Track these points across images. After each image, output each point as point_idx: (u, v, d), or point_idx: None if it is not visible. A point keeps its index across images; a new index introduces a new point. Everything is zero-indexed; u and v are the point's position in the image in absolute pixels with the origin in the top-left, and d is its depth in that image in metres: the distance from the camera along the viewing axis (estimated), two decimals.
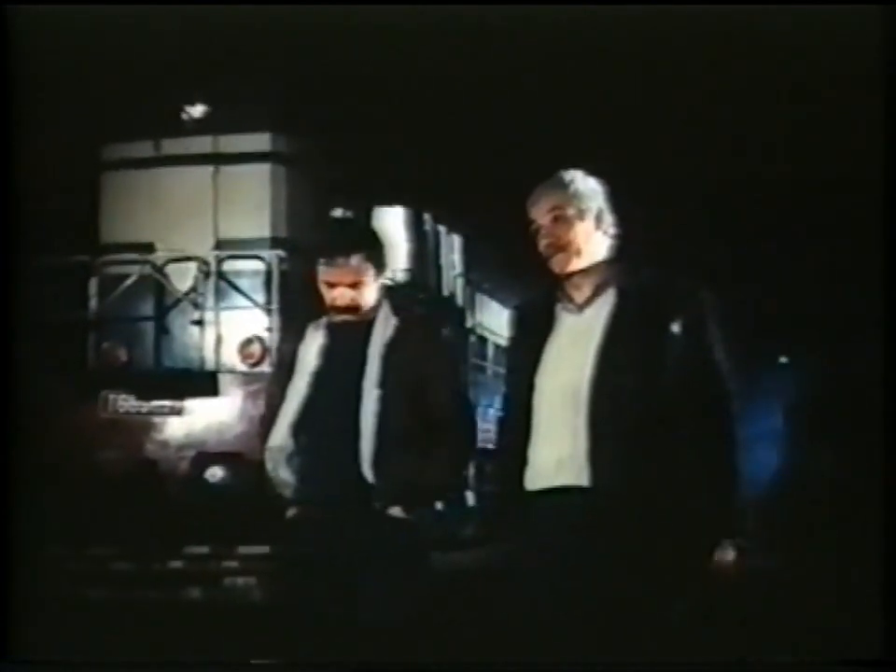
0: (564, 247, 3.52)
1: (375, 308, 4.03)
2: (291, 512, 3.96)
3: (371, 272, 3.99)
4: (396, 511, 3.84)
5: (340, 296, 3.97)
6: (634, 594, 3.33)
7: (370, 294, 4.00)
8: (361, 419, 3.86)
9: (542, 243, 3.54)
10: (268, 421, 4.04)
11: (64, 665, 4.22)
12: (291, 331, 4.22)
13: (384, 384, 3.89)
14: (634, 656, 3.29)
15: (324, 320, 4.06)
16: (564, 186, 3.56)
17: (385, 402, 3.87)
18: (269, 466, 3.99)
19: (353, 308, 3.99)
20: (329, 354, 3.99)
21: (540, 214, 3.55)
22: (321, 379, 3.97)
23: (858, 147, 4.24)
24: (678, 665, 3.33)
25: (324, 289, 4.00)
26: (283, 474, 3.94)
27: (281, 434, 3.96)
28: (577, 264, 3.53)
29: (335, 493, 3.85)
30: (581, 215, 3.53)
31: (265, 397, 4.26)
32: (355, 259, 3.97)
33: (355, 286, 3.98)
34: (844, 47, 4.42)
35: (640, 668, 3.32)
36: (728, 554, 3.37)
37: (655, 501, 3.34)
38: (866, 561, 4.04)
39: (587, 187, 3.57)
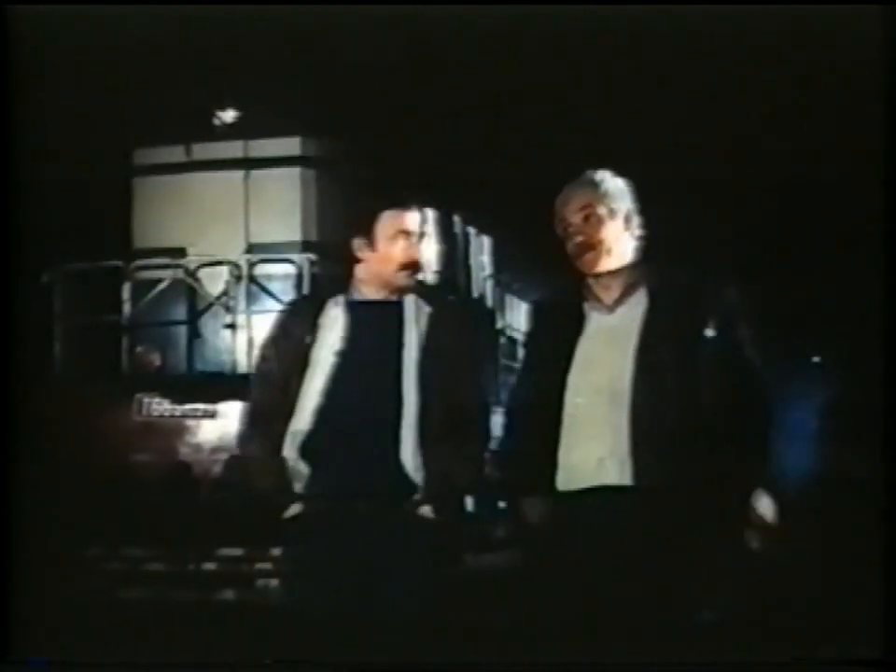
0: (594, 246, 3.52)
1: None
2: (296, 509, 3.67)
3: (430, 229, 3.79)
4: (426, 510, 3.63)
5: (410, 248, 3.70)
6: (674, 592, 3.33)
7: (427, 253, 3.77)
8: (404, 409, 3.63)
9: (572, 241, 3.53)
10: (287, 399, 3.68)
11: (74, 665, 4.20)
12: (307, 305, 3.89)
13: (423, 374, 3.65)
14: (655, 655, 3.29)
15: (341, 298, 3.77)
16: (595, 185, 3.56)
17: (424, 393, 3.64)
18: (290, 454, 3.66)
19: (417, 266, 3.72)
20: (355, 335, 3.70)
21: (571, 212, 3.54)
22: (348, 362, 3.67)
23: (858, 146, 4.23)
24: (677, 664, 3.32)
25: (392, 242, 3.71)
26: (300, 465, 3.65)
27: (305, 418, 3.65)
28: (606, 264, 3.53)
29: (367, 487, 3.59)
30: (611, 214, 3.53)
31: (273, 370, 3.79)
32: (425, 209, 3.75)
33: (421, 237, 3.74)
34: (844, 47, 4.40)
35: (641, 669, 3.32)
36: (763, 505, 3.38)
37: (698, 499, 3.35)
38: (867, 561, 4.01)
39: (617, 187, 3.57)
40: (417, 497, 3.63)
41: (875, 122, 3.98)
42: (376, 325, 3.73)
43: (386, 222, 3.75)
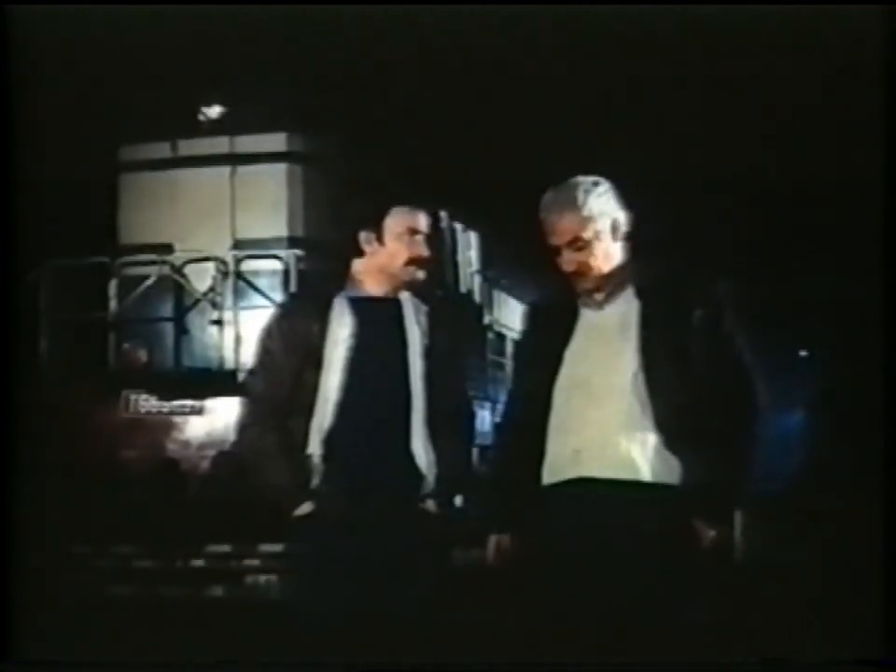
0: (586, 272, 3.54)
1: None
2: (307, 508, 3.66)
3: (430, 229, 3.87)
4: (430, 504, 3.69)
5: (418, 245, 3.77)
6: (653, 586, 3.34)
7: None
8: (413, 405, 3.69)
9: (565, 267, 3.53)
10: (301, 394, 3.69)
11: (72, 665, 4.18)
12: (312, 300, 3.87)
13: (429, 370, 3.71)
14: (647, 654, 3.29)
15: (343, 293, 3.78)
16: (577, 208, 3.52)
17: (431, 389, 3.71)
18: (315, 450, 3.67)
19: (425, 261, 3.79)
20: (362, 332, 3.72)
21: (558, 238, 3.53)
22: (360, 358, 3.70)
23: (858, 146, 4.24)
24: (676, 664, 3.33)
25: (404, 241, 3.75)
26: (322, 461, 3.66)
27: (328, 413, 3.67)
28: (599, 276, 3.55)
29: (382, 484, 3.63)
30: (598, 235, 3.53)
31: (281, 365, 3.79)
32: (435, 210, 3.83)
33: (427, 237, 3.81)
34: (844, 47, 4.40)
35: (641, 668, 3.32)
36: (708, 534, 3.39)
37: (679, 492, 3.37)
38: (867, 560, 4.02)
39: (599, 203, 3.54)
40: (424, 491, 3.68)
41: (875, 122, 3.98)
42: (380, 321, 3.77)
43: (398, 218, 3.79)
